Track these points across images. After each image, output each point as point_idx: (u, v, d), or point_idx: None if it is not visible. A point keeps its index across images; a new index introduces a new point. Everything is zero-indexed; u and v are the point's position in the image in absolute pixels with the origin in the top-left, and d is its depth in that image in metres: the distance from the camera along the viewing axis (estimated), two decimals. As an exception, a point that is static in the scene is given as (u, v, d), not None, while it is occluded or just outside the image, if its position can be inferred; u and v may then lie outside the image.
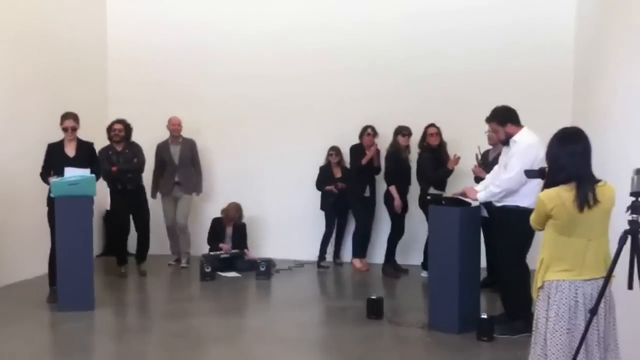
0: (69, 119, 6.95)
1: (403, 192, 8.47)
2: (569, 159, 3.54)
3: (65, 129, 6.95)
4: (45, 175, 6.89)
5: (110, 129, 8.17)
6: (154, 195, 8.86)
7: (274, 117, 9.41)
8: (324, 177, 8.76)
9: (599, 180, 3.56)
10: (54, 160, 6.90)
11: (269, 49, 9.36)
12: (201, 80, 9.55)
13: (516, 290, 5.58)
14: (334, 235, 8.97)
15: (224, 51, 9.50)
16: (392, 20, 9.03)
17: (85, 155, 7.01)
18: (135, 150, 8.25)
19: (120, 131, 8.11)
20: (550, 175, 3.64)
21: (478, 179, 6.89)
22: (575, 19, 8.16)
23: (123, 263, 8.29)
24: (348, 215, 8.93)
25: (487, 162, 7.25)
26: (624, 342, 3.83)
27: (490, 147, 7.41)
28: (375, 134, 8.58)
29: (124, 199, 8.13)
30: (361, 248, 8.78)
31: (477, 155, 7.39)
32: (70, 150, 6.99)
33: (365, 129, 8.58)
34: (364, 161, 8.49)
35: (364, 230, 8.72)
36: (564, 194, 3.50)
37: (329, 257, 8.99)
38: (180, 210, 8.88)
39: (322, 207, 8.84)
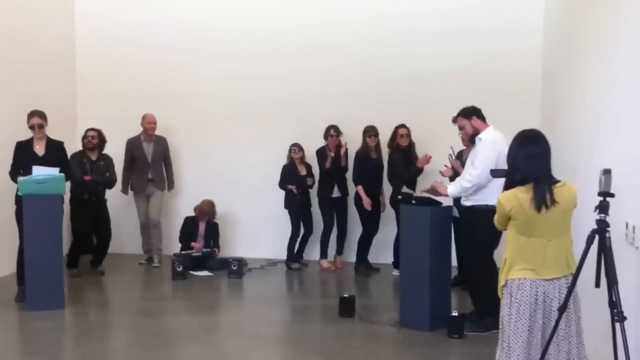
0: (35, 117, 6.86)
1: (375, 192, 8.52)
2: (526, 160, 3.61)
3: (32, 127, 6.85)
4: (13, 174, 6.80)
5: (84, 136, 8.14)
6: (125, 192, 8.79)
7: (245, 116, 9.39)
8: (288, 176, 8.73)
9: (557, 181, 3.63)
10: (23, 159, 6.79)
11: (238, 49, 9.34)
12: (170, 78, 9.48)
13: (484, 288, 5.65)
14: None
15: (193, 50, 9.44)
16: (361, 21, 9.07)
17: (55, 154, 6.92)
18: (109, 164, 8.23)
19: (94, 138, 8.06)
20: (508, 176, 3.72)
21: (452, 179, 6.94)
22: (543, 22, 8.28)
23: (74, 267, 8.18)
24: (312, 215, 8.93)
25: (462, 162, 7.33)
26: (588, 338, 3.92)
27: (464, 147, 7.48)
28: (338, 133, 8.60)
29: (87, 209, 8.06)
30: (326, 249, 8.80)
31: (450, 155, 7.46)
32: (39, 149, 6.90)
33: (327, 129, 8.61)
34: (327, 164, 8.51)
35: (329, 231, 8.74)
36: (521, 195, 3.58)
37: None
38: (153, 206, 8.85)
39: (286, 206, 8.83)
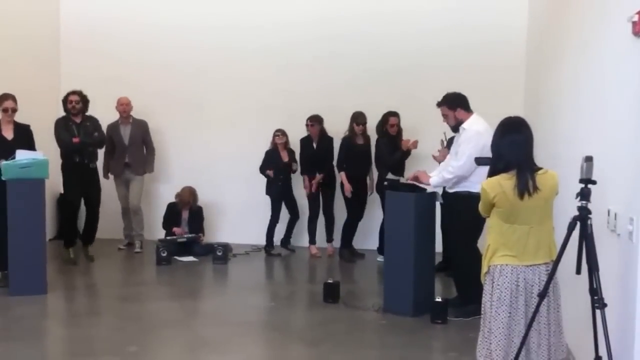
0: (9, 100, 6.75)
1: (361, 177, 8.52)
2: (509, 148, 3.65)
3: (5, 110, 6.74)
4: None
5: (65, 101, 7.90)
6: (105, 176, 8.71)
7: (230, 101, 9.33)
8: (269, 161, 8.67)
9: (539, 168, 3.65)
10: None
11: (224, 38, 9.26)
12: (156, 62, 9.37)
13: (468, 274, 5.67)
14: (281, 221, 8.91)
15: (177, 39, 9.34)
16: (350, 15, 9.02)
17: (24, 138, 6.82)
18: (95, 124, 8.03)
19: (77, 103, 7.85)
20: (492, 163, 3.74)
21: None
22: (527, 16, 8.32)
23: (71, 245, 8.05)
24: (295, 201, 8.91)
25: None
26: (569, 325, 3.96)
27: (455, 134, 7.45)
28: (317, 121, 8.58)
29: (77, 176, 7.87)
30: (314, 234, 8.81)
31: (442, 141, 7.45)
32: (7, 133, 6.79)
33: (305, 122, 8.62)
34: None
35: (315, 217, 8.75)
36: (504, 182, 3.60)
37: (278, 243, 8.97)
38: (133, 191, 8.75)
39: (267, 192, 8.79)
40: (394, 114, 8.20)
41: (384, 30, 8.95)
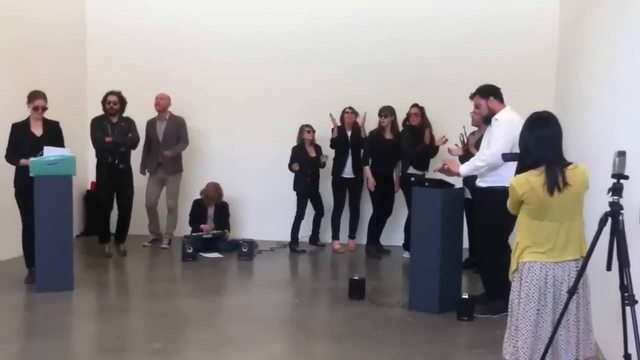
0: (40, 98, 6.78)
1: (386, 173, 8.44)
2: (537, 143, 3.57)
3: (36, 108, 6.78)
4: (10, 156, 6.73)
5: (105, 101, 7.98)
6: (143, 172, 8.74)
7: (255, 100, 9.33)
8: (296, 157, 8.63)
9: (569, 163, 3.56)
10: (21, 141, 6.71)
11: (248, 33, 9.28)
12: (180, 62, 9.41)
13: (496, 271, 5.58)
14: (310, 217, 8.90)
15: (203, 34, 9.39)
16: (373, 4, 9.00)
17: (53, 134, 6.86)
18: (131, 125, 8.10)
19: (115, 103, 7.93)
20: (520, 159, 3.67)
21: (462, 160, 6.86)
22: (559, 5, 8.16)
23: (105, 241, 8.14)
24: (321, 197, 8.87)
25: (477, 144, 7.23)
26: (598, 322, 3.87)
27: (475, 128, 7.36)
28: (353, 112, 8.55)
29: (110, 174, 7.95)
30: (337, 230, 8.76)
31: (461, 135, 7.36)
32: (37, 130, 6.84)
33: (344, 109, 8.58)
34: (333, 134, 8.52)
35: (339, 212, 8.71)
36: (533, 178, 3.53)
37: (305, 238, 8.94)
38: (170, 190, 8.78)
39: (295, 188, 8.74)
40: (414, 105, 8.13)
41: (408, 19, 8.88)
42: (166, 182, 8.77)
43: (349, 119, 8.54)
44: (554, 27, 8.23)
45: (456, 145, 7.23)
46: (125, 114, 8.14)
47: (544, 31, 8.33)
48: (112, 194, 8.09)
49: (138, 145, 8.31)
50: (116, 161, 7.94)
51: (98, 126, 7.89)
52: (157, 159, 8.70)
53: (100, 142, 7.82)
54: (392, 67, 8.90)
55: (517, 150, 3.91)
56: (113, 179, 7.98)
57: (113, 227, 8.35)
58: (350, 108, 8.56)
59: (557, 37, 8.20)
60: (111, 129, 7.91)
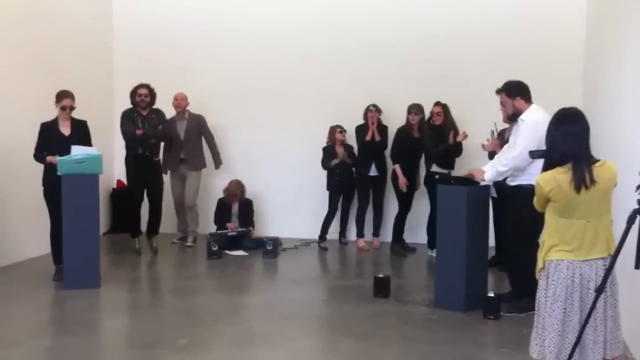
0: (68, 98, 6.85)
1: (411, 171, 8.41)
2: (564, 139, 3.52)
3: (63, 108, 6.84)
4: (39, 155, 6.81)
5: (134, 94, 8.01)
6: (164, 171, 8.81)
7: (280, 97, 9.33)
8: (328, 157, 8.65)
9: (596, 160, 3.51)
10: (50, 140, 6.79)
11: (273, 30, 9.29)
12: (208, 58, 9.46)
13: (524, 269, 5.53)
14: (338, 214, 8.90)
15: (228, 30, 9.41)
16: (401, 2, 8.96)
17: (80, 133, 6.92)
18: (161, 117, 8.15)
19: (146, 96, 7.98)
20: (547, 156, 3.62)
21: (492, 155, 6.79)
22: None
23: (137, 235, 8.17)
24: (353, 194, 8.88)
25: (505, 141, 7.15)
26: (626, 321, 3.81)
27: (506, 125, 7.27)
28: (377, 110, 8.52)
29: (139, 168, 7.98)
30: (362, 228, 8.75)
31: (492, 132, 7.28)
32: (65, 129, 6.90)
33: (367, 107, 8.54)
34: (367, 137, 8.44)
35: (364, 210, 8.70)
36: (560, 176, 3.48)
37: (333, 236, 8.92)
38: (189, 188, 8.82)
39: (328, 187, 8.75)
40: (437, 104, 8.07)
41: (435, 17, 8.84)
42: (187, 177, 8.81)
43: (372, 116, 8.52)
44: (581, 22, 8.12)
45: (488, 140, 7.15)
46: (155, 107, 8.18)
47: (571, 26, 8.22)
48: (142, 186, 8.10)
49: (168, 137, 8.33)
50: (147, 153, 7.99)
51: (128, 118, 7.93)
52: (178, 156, 8.74)
53: (131, 135, 7.87)
54: (419, 64, 8.83)
55: (543, 148, 3.86)
56: (143, 171, 8.01)
57: (143, 223, 8.39)
58: (374, 106, 8.53)
59: (584, 32, 8.09)
60: (142, 121, 7.95)
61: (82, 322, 5.66)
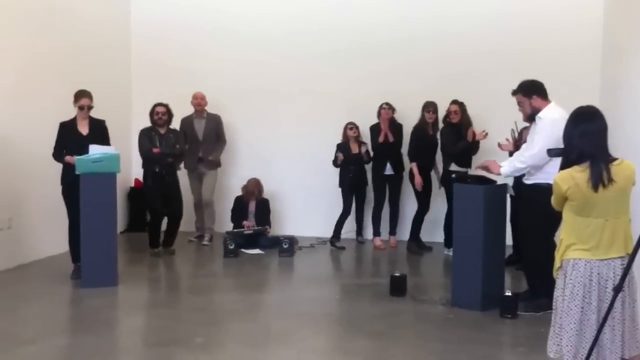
0: (86, 97, 6.90)
1: (427, 169, 8.38)
2: (581, 138, 3.49)
3: (81, 107, 6.89)
4: (58, 154, 6.87)
5: (153, 112, 8.11)
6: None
7: (295, 96, 9.36)
8: (342, 154, 8.64)
9: (615, 159, 3.48)
10: (68, 140, 6.85)
11: (289, 29, 9.31)
12: (224, 57, 9.50)
13: (541, 268, 5.49)
14: (353, 213, 8.88)
15: (244, 30, 9.45)
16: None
17: (98, 133, 6.97)
18: (178, 137, 8.23)
19: (164, 114, 8.06)
20: (564, 154, 3.59)
21: (511, 155, 6.74)
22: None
23: (156, 247, 8.18)
24: (366, 192, 8.85)
25: (524, 140, 7.10)
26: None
27: (527, 124, 7.21)
28: (390, 108, 8.49)
29: (157, 185, 8.01)
30: (378, 226, 8.73)
31: (512, 130, 7.23)
32: (83, 129, 6.95)
33: (380, 105, 8.52)
34: (380, 138, 8.41)
35: (379, 209, 8.68)
36: (577, 174, 3.46)
37: (350, 235, 8.91)
38: (206, 186, 8.87)
39: (340, 185, 8.75)
40: (454, 102, 8.04)
41: (448, 12, 8.82)
42: (204, 176, 8.86)
43: (386, 114, 8.49)
44: (598, 18, 8.03)
45: (507, 140, 7.09)
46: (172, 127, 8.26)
47: (587, 22, 8.15)
48: (162, 203, 8.12)
49: (184, 158, 8.43)
50: (163, 172, 8.03)
51: (146, 137, 8.02)
52: (196, 156, 8.79)
53: (148, 152, 7.95)
54: (434, 62, 8.82)
55: (561, 146, 3.83)
56: (162, 189, 8.04)
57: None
58: (387, 104, 8.50)
59: (601, 28, 8.01)
60: (159, 140, 8.03)
61: (99, 320, 5.70)
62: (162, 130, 8.08)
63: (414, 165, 8.29)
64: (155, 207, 8.17)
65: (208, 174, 8.86)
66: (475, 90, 8.40)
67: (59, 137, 6.91)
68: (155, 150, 7.94)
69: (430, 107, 8.23)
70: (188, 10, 9.62)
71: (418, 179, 8.21)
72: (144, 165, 8.13)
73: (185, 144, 8.38)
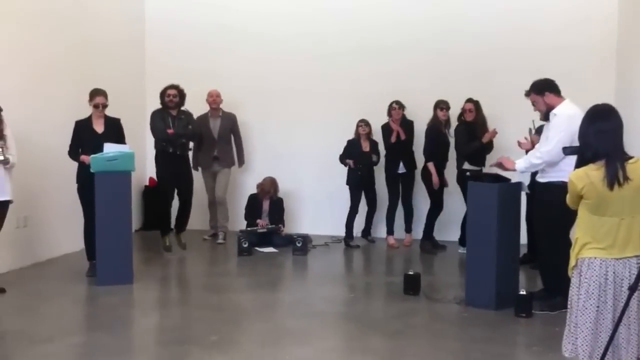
0: (100, 96, 6.95)
1: (441, 168, 8.36)
2: (596, 136, 3.47)
3: (96, 106, 6.94)
4: (73, 153, 6.92)
5: (164, 94, 8.10)
6: (195, 168, 8.88)
7: (309, 95, 9.36)
8: (349, 151, 8.63)
9: (630, 157, 3.46)
10: (83, 138, 6.90)
11: (302, 29, 9.31)
12: (238, 55, 9.52)
13: (556, 267, 5.46)
14: (364, 212, 8.87)
15: (257, 29, 9.47)
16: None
17: (114, 131, 7.02)
18: (190, 118, 8.24)
19: (175, 97, 8.06)
20: (579, 153, 3.57)
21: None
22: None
23: (167, 233, 8.22)
24: (375, 191, 8.84)
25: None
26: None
27: (544, 122, 7.17)
28: (401, 107, 8.47)
29: (170, 166, 8.06)
30: (392, 225, 8.72)
31: (530, 129, 7.19)
32: (98, 127, 7.00)
33: (390, 104, 8.49)
34: (392, 139, 8.40)
35: (393, 208, 8.67)
36: (592, 172, 3.44)
37: (358, 232, 8.91)
38: (219, 183, 8.89)
39: (347, 182, 8.73)
40: (469, 100, 8.00)
41: (460, 11, 8.79)
42: (217, 174, 8.88)
43: (397, 114, 8.47)
44: (613, 14, 7.97)
45: (525, 138, 7.06)
46: (183, 108, 8.25)
47: (602, 19, 8.09)
48: (173, 185, 8.18)
49: (197, 138, 8.44)
50: (177, 152, 8.06)
51: (159, 118, 8.02)
52: (211, 154, 8.80)
53: (162, 133, 7.95)
54: (446, 60, 8.80)
55: (577, 144, 3.81)
56: (173, 169, 8.08)
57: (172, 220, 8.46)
58: (397, 102, 8.48)
59: (616, 25, 7.94)
60: (172, 121, 8.04)
61: (115, 318, 5.75)
62: (174, 112, 8.09)
63: (430, 165, 8.26)
64: (165, 188, 8.19)
65: (221, 172, 8.89)
66: (488, 89, 8.36)
67: (74, 136, 6.96)
68: (169, 130, 7.95)
69: (442, 105, 8.21)
70: (202, 9, 9.65)
71: (435, 178, 8.19)
72: (157, 146, 8.15)
73: (197, 125, 8.36)
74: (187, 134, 8.09)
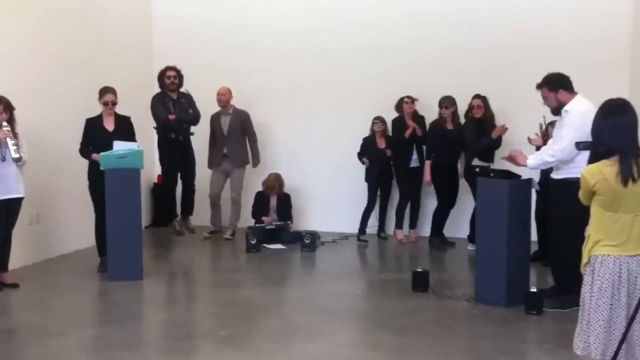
0: (110, 93, 6.98)
1: (448, 165, 8.35)
2: (610, 132, 3.43)
3: (106, 103, 6.97)
4: (84, 150, 6.96)
5: (163, 76, 8.08)
6: (210, 166, 8.88)
7: (320, 90, 9.33)
8: (365, 148, 8.65)
9: None
10: (94, 136, 6.94)
11: (312, 24, 9.29)
12: (246, 53, 9.49)
13: (568, 264, 5.44)
14: (377, 208, 8.90)
15: (268, 26, 9.45)
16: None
17: (124, 129, 7.04)
18: (190, 100, 8.23)
19: (175, 78, 8.05)
20: (592, 148, 3.55)
21: (538, 150, 6.68)
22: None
23: (174, 217, 8.26)
24: (392, 187, 8.85)
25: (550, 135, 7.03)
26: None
27: (555, 118, 7.14)
28: (412, 101, 8.46)
29: (172, 151, 8.08)
30: (401, 220, 8.73)
31: (541, 125, 7.15)
32: (109, 125, 7.03)
33: (402, 98, 8.48)
34: (407, 134, 8.40)
35: (405, 202, 8.68)
36: (605, 168, 3.41)
37: (372, 230, 8.90)
38: (234, 183, 8.85)
39: (367, 180, 8.75)
40: (477, 96, 7.98)
41: (474, 5, 8.76)
42: (231, 174, 8.86)
43: (409, 108, 8.47)
44: (628, 8, 7.90)
45: (536, 134, 7.02)
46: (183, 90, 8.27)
47: (617, 13, 8.01)
48: (176, 170, 8.20)
49: (199, 122, 8.41)
50: (180, 137, 8.07)
51: (160, 103, 7.99)
52: (221, 152, 8.79)
53: (164, 120, 7.94)
54: (460, 56, 8.74)
55: (590, 139, 3.79)
56: (176, 154, 8.10)
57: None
58: (409, 97, 8.47)
59: (631, 19, 7.87)
60: (173, 106, 8.03)
61: (126, 314, 5.77)
62: (174, 95, 8.07)
63: (427, 163, 8.29)
64: (169, 173, 8.22)
65: (235, 172, 8.83)
66: (500, 84, 8.31)
67: (85, 133, 7.00)
68: (171, 117, 7.94)
69: (445, 102, 8.18)
70: (210, 5, 9.64)
71: (427, 176, 8.22)
72: (159, 131, 8.15)
73: (197, 108, 8.34)
74: (189, 118, 8.07)
